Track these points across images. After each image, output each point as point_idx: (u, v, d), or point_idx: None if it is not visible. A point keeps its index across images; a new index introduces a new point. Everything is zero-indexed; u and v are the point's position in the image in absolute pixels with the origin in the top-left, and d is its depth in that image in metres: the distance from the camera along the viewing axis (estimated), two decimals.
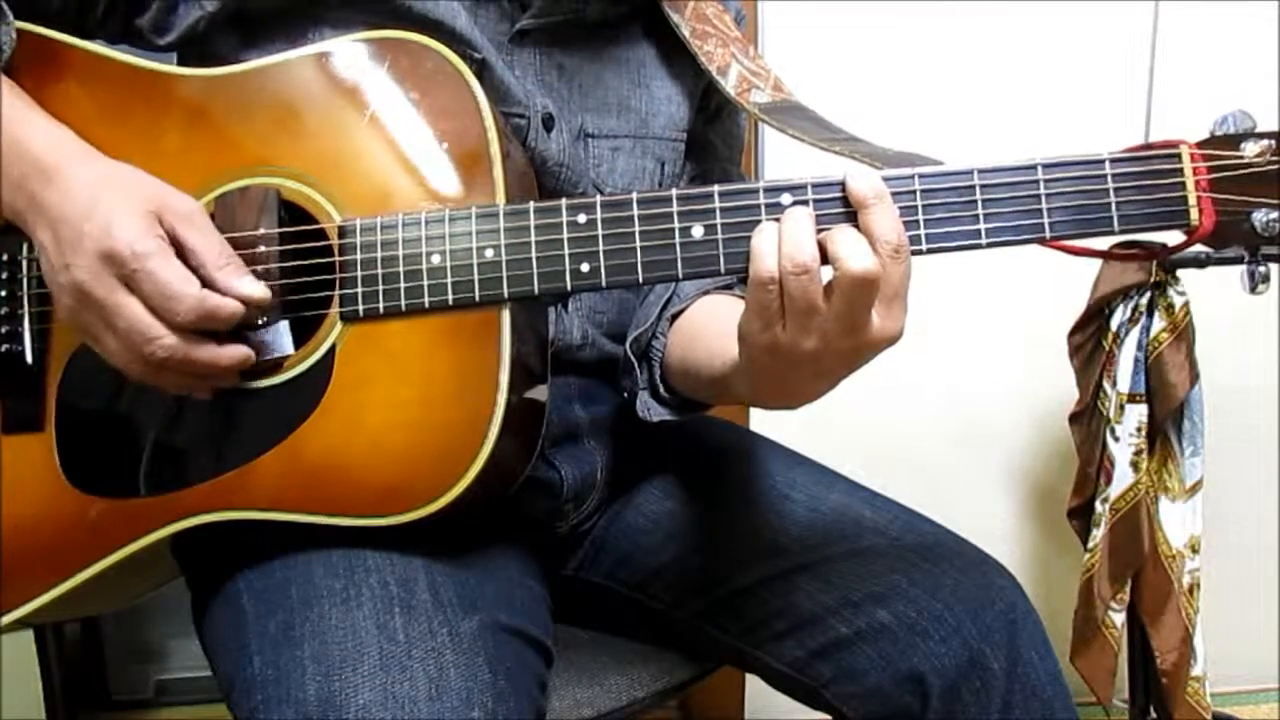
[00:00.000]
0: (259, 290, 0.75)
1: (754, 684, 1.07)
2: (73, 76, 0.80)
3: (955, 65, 1.66)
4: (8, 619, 0.81)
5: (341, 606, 0.73)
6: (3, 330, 0.81)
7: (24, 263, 0.81)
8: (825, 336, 0.69)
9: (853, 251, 0.67)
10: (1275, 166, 0.68)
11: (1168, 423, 1.51)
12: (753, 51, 0.93)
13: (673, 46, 0.95)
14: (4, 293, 0.81)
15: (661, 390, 0.93)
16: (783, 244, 0.68)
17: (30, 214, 0.75)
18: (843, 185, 0.70)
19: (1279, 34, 1.67)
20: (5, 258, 0.82)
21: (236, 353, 0.75)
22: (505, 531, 0.89)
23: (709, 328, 0.88)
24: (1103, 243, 0.73)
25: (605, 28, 0.93)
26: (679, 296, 0.95)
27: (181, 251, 0.73)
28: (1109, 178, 0.69)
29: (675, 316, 0.94)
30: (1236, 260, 0.72)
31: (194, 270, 0.73)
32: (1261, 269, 0.70)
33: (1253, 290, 0.71)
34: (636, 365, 0.92)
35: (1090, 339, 1.54)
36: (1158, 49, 1.69)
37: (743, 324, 0.72)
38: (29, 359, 0.81)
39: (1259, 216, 0.68)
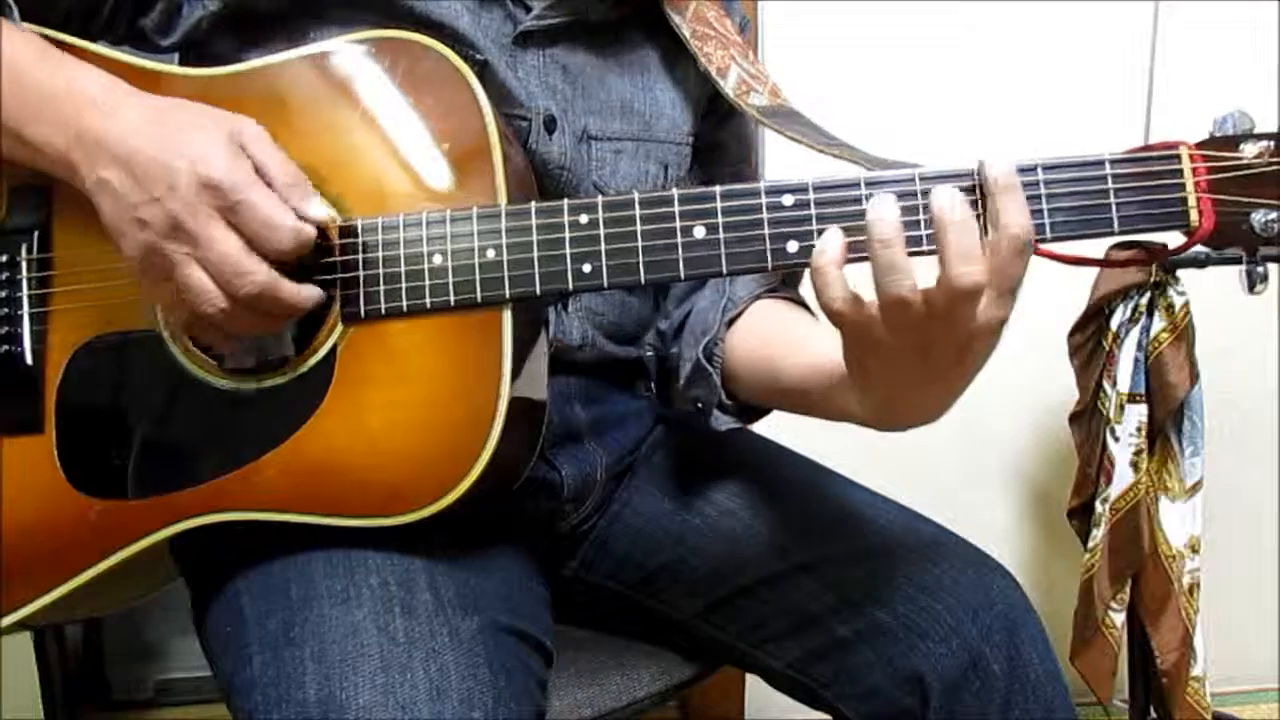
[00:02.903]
0: (326, 211, 0.74)
1: (754, 684, 1.07)
2: None
3: (956, 65, 1.66)
4: (8, 621, 0.80)
5: (341, 607, 0.73)
6: (1, 331, 0.81)
7: (22, 263, 0.81)
8: (928, 333, 0.67)
9: (963, 270, 0.65)
10: (1274, 167, 0.68)
11: (1168, 423, 1.51)
12: (752, 56, 0.93)
13: (676, 51, 0.95)
14: (2, 294, 0.81)
15: (724, 398, 0.92)
16: (879, 276, 0.66)
17: (83, 150, 0.73)
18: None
19: (1279, 34, 1.67)
20: (4, 259, 0.82)
21: (313, 292, 0.74)
22: (506, 532, 0.89)
23: (799, 340, 0.87)
24: (1100, 244, 0.73)
25: (608, 30, 0.93)
26: (732, 301, 0.94)
27: (259, 173, 0.72)
28: (1109, 179, 0.69)
29: (732, 321, 0.93)
30: (1237, 260, 0.72)
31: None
32: (1260, 269, 0.70)
33: (1251, 290, 0.71)
34: (713, 373, 0.91)
35: (1090, 339, 1.54)
36: (1158, 49, 1.70)
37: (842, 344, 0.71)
38: (28, 360, 0.81)
39: (1258, 217, 0.68)
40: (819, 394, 0.82)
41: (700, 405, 0.94)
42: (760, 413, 0.95)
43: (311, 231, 0.72)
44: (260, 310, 0.73)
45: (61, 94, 0.74)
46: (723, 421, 0.92)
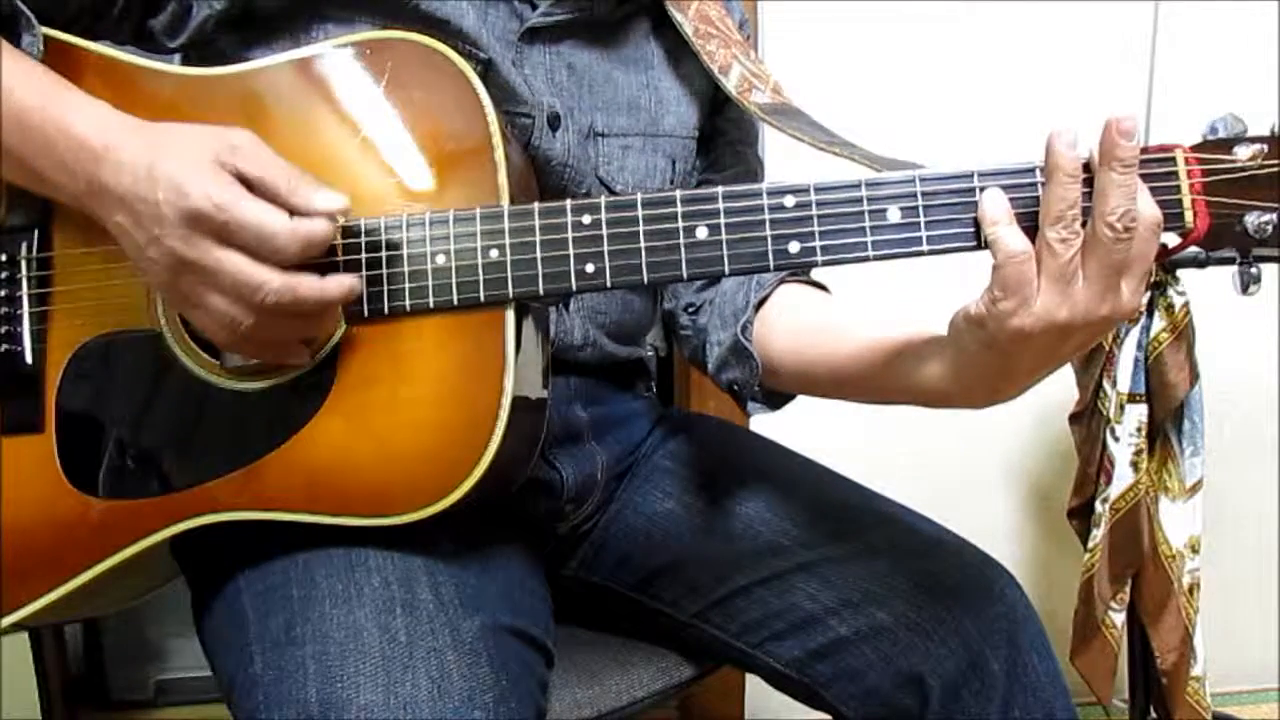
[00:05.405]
0: (338, 199, 0.72)
1: (754, 684, 1.07)
2: (79, 78, 0.80)
3: (955, 66, 1.66)
4: (7, 621, 0.80)
5: (343, 606, 0.73)
6: (1, 330, 0.81)
7: (23, 263, 0.81)
8: (1079, 305, 0.67)
9: (1147, 202, 0.66)
10: (1267, 170, 0.68)
11: (1168, 423, 1.51)
12: (754, 55, 0.94)
13: (680, 48, 0.95)
14: (2, 293, 0.81)
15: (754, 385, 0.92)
16: (1050, 211, 0.66)
17: (94, 198, 0.73)
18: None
19: (1279, 34, 1.67)
20: (4, 258, 0.81)
21: (343, 281, 0.72)
22: (506, 531, 0.89)
23: (848, 322, 0.87)
24: None
25: (613, 27, 0.93)
26: (760, 284, 0.94)
27: (250, 187, 0.71)
28: None
29: (760, 303, 0.93)
30: (1233, 260, 0.72)
31: (271, 198, 0.71)
32: (1253, 270, 0.71)
33: (1244, 291, 0.71)
34: (754, 352, 0.90)
35: None
36: (1158, 49, 1.70)
37: (984, 310, 0.69)
38: (28, 359, 0.81)
39: (1251, 219, 0.69)
40: (874, 371, 0.81)
41: (737, 387, 0.94)
42: (785, 399, 0.94)
43: (316, 226, 0.71)
44: (292, 315, 0.72)
45: (59, 141, 0.73)
46: (752, 408, 0.92)
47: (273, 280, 0.70)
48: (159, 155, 0.71)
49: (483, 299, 0.75)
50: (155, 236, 0.70)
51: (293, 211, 0.71)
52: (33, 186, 0.76)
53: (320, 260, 0.75)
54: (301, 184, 0.72)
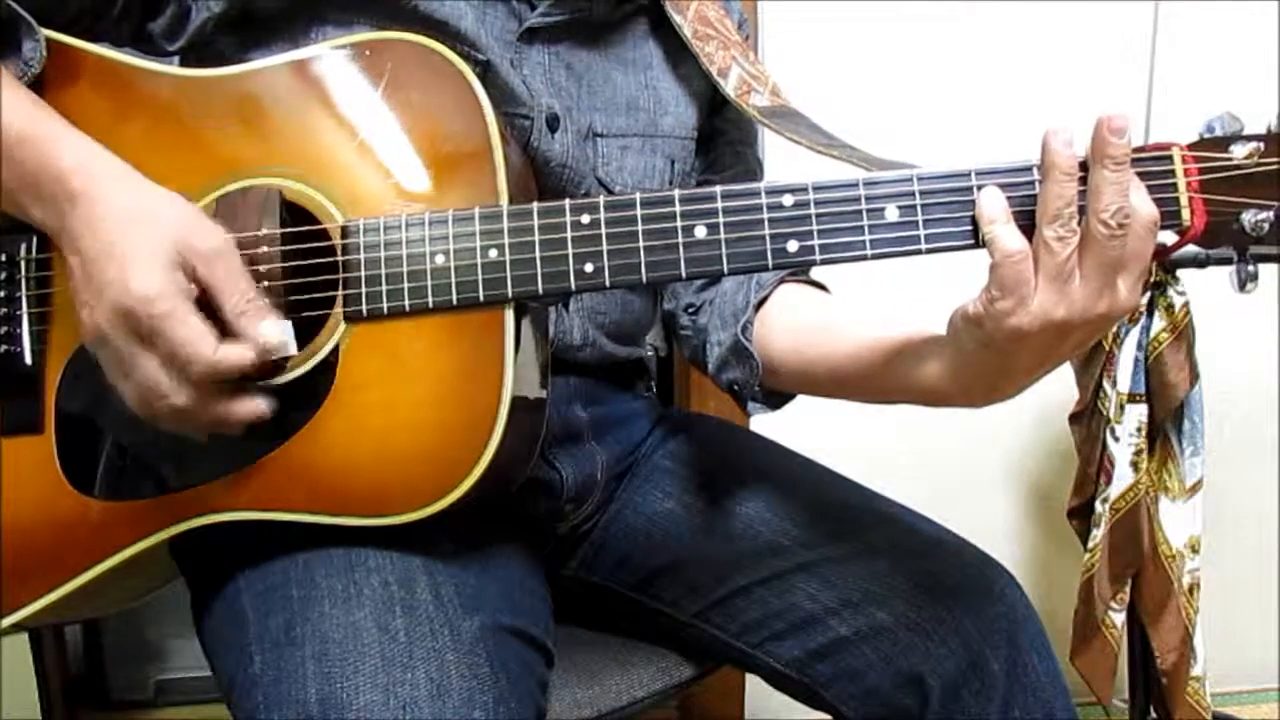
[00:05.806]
0: (278, 335, 0.73)
1: (754, 684, 1.07)
2: (78, 80, 0.80)
3: (955, 66, 1.67)
4: (7, 621, 0.80)
5: (342, 606, 0.73)
6: (1, 331, 0.81)
7: (23, 263, 0.81)
8: (1077, 303, 0.67)
9: (1143, 199, 0.66)
10: (1263, 168, 0.68)
11: (1168, 423, 1.51)
12: (753, 56, 0.94)
13: (679, 48, 0.95)
14: (2, 294, 0.81)
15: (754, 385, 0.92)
16: (1046, 209, 0.66)
17: (63, 236, 0.73)
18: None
19: (1279, 34, 1.67)
20: (4, 258, 0.81)
21: (247, 408, 0.73)
22: (506, 531, 0.89)
23: (848, 321, 0.87)
24: None
25: (612, 27, 0.94)
26: (760, 284, 0.94)
27: (204, 293, 0.72)
28: None
29: (760, 303, 0.93)
30: (1231, 260, 0.72)
31: (217, 310, 0.72)
32: (1250, 268, 0.71)
33: (1241, 289, 0.72)
34: (755, 352, 0.90)
35: None
36: (1158, 49, 1.70)
37: (982, 309, 0.69)
38: (27, 360, 0.81)
39: (1248, 217, 0.69)
40: (873, 371, 0.81)
41: (737, 387, 0.94)
42: (785, 399, 0.94)
43: (239, 360, 0.71)
44: (186, 424, 0.73)
45: (39, 174, 0.74)
46: (752, 408, 0.92)
47: (175, 396, 0.71)
48: (127, 229, 0.71)
49: (482, 299, 0.75)
50: (89, 303, 0.71)
51: (230, 331, 0.72)
52: (22, 216, 0.76)
53: (317, 260, 0.75)
54: (251, 309, 0.72)
